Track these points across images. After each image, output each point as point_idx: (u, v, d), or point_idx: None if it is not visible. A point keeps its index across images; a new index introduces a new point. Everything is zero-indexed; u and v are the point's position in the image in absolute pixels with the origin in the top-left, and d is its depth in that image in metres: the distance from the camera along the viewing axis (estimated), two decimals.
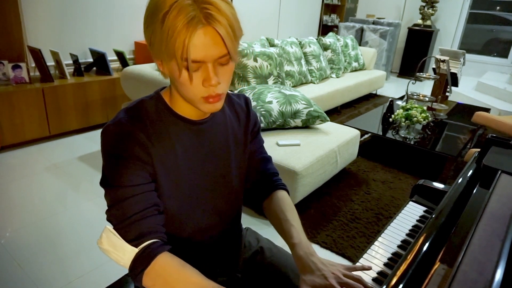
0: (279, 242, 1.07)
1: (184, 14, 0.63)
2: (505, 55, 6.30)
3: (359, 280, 0.74)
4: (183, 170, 0.80)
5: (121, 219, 0.71)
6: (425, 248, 0.79)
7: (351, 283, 0.73)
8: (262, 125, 2.30)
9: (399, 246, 0.99)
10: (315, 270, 0.74)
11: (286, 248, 1.05)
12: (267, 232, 2.06)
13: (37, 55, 2.83)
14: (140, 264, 0.69)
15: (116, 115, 0.76)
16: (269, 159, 1.02)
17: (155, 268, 0.69)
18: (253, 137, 0.98)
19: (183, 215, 0.83)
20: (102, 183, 0.74)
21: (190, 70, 0.67)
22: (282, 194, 0.96)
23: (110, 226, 0.72)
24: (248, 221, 2.09)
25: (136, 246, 0.70)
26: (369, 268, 0.81)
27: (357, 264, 0.90)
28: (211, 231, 0.91)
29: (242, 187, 0.97)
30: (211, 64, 0.68)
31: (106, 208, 0.74)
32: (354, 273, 0.77)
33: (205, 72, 0.69)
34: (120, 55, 3.46)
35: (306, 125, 2.46)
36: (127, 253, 0.70)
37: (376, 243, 1.00)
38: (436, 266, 0.68)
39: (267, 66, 3.13)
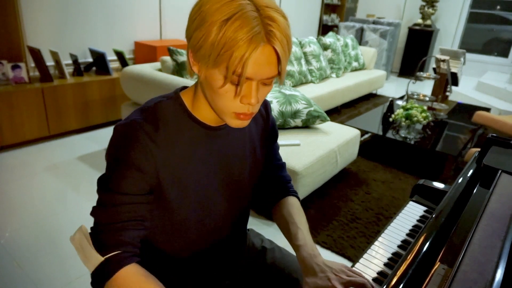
0: (281, 242, 1.07)
1: (248, 28, 0.59)
2: (505, 55, 6.30)
3: (363, 282, 0.73)
4: (195, 175, 0.78)
5: (103, 222, 0.71)
6: (425, 248, 0.79)
7: (354, 280, 0.72)
8: None
9: (399, 246, 0.99)
10: (318, 272, 0.73)
11: (289, 248, 1.05)
12: (268, 232, 2.07)
13: (36, 55, 2.83)
14: (101, 276, 0.69)
15: (131, 113, 0.74)
16: (283, 165, 1.02)
17: (117, 281, 0.68)
18: (271, 142, 0.97)
19: (191, 219, 0.81)
20: (99, 179, 0.73)
21: (240, 85, 0.64)
22: (292, 200, 0.96)
23: (85, 228, 0.73)
24: (249, 222, 2.09)
25: (104, 254, 0.69)
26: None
27: (357, 266, 0.90)
28: (218, 234, 0.89)
29: (252, 191, 0.96)
30: (256, 82, 0.65)
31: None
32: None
33: (247, 89, 0.65)
34: (119, 55, 3.46)
35: (306, 125, 2.46)
36: (92, 259, 0.70)
37: (376, 243, 0.99)
38: (436, 266, 0.68)
39: None
